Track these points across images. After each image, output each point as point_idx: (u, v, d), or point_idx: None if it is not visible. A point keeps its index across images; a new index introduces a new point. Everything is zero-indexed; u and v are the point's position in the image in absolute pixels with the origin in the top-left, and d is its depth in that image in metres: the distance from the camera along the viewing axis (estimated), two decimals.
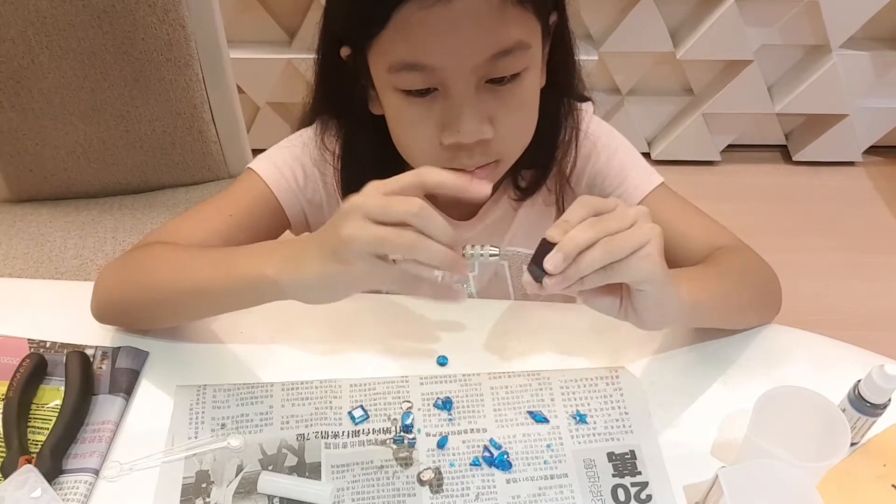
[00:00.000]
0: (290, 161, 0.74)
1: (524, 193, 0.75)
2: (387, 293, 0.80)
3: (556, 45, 0.66)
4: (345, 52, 0.63)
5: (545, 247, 0.52)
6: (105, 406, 0.63)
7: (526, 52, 0.58)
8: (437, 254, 0.50)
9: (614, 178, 0.75)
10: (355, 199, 0.52)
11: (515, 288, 0.82)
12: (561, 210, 0.76)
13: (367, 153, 0.69)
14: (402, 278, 0.53)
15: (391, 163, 0.66)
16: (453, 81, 0.58)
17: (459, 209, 0.75)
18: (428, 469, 0.60)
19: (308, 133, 0.74)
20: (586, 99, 0.75)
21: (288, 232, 0.78)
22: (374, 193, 0.51)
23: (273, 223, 0.75)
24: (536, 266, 0.52)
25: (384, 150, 0.67)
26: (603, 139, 0.75)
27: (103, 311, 0.68)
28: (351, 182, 0.72)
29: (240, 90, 1.50)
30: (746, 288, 0.70)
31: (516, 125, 0.63)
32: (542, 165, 0.73)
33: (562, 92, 0.70)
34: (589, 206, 0.53)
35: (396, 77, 0.59)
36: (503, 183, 0.75)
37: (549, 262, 0.51)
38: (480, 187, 0.52)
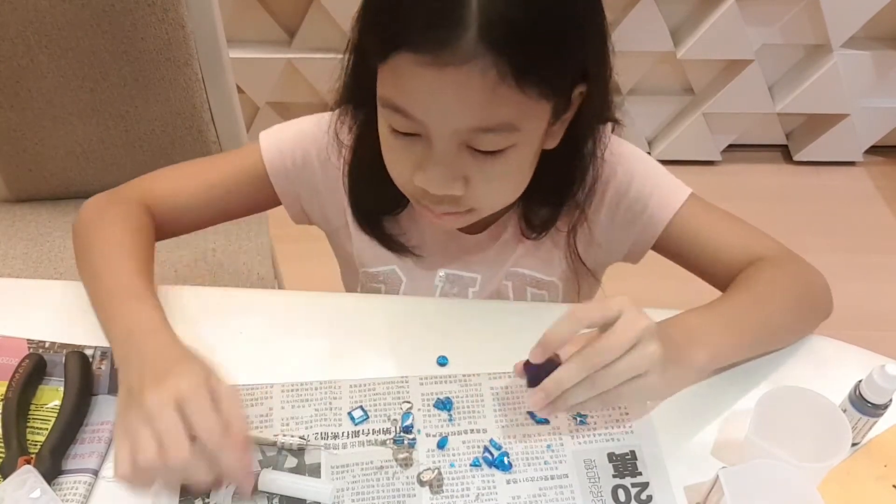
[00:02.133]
0: (294, 142, 0.74)
1: (532, 231, 0.72)
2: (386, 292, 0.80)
3: (586, 104, 0.62)
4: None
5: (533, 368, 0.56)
6: (104, 406, 0.63)
7: (513, 133, 0.57)
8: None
9: (636, 202, 0.72)
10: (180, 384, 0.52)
11: None
12: (572, 240, 0.73)
13: (375, 148, 0.68)
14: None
15: None
16: (434, 137, 0.57)
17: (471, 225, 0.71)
18: (428, 469, 0.60)
19: (325, 118, 0.73)
20: (610, 119, 0.71)
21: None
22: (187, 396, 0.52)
23: (261, 197, 0.77)
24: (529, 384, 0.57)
25: None
26: (624, 163, 0.71)
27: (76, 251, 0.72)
28: (359, 174, 0.73)
29: (239, 90, 1.50)
30: (784, 307, 0.67)
31: (493, 190, 0.62)
32: (556, 204, 0.71)
33: (587, 136, 0.66)
34: (578, 320, 0.54)
35: (386, 113, 0.59)
36: (511, 212, 0.73)
37: (533, 401, 0.54)
38: None
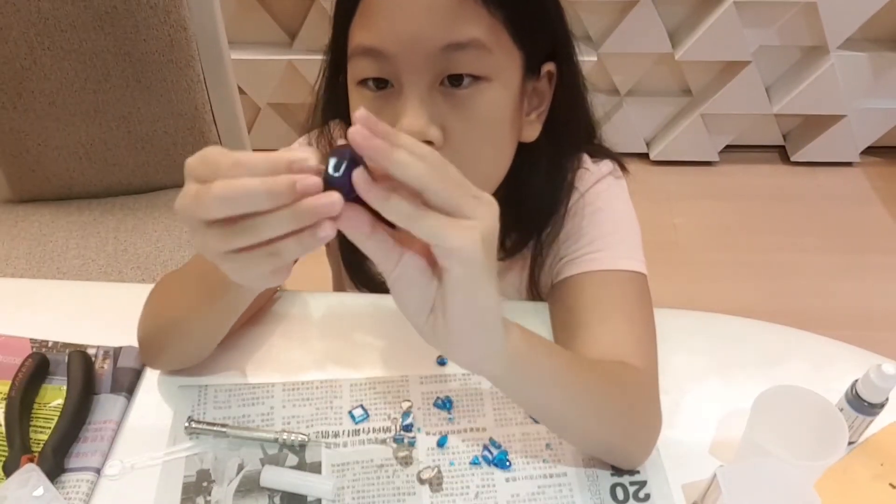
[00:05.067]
0: None
1: (505, 253, 0.70)
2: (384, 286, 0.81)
3: (560, 101, 0.63)
4: (342, 77, 0.63)
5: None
6: (107, 405, 0.63)
7: (484, 54, 0.56)
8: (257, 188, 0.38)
9: (577, 237, 0.67)
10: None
11: None
12: (533, 271, 0.71)
13: None
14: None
15: None
16: (405, 73, 0.56)
17: None
18: (428, 468, 0.60)
19: (313, 136, 0.74)
20: (609, 155, 0.70)
21: None
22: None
23: None
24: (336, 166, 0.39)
25: None
26: (597, 202, 0.68)
27: (146, 353, 0.66)
28: None
29: (241, 91, 1.50)
30: (599, 394, 0.57)
31: (471, 141, 0.58)
32: (529, 229, 0.68)
33: (562, 150, 0.66)
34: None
35: (354, 65, 0.58)
36: None
37: (357, 177, 0.38)
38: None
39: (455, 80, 0.56)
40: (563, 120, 0.65)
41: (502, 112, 0.60)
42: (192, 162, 0.43)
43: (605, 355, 0.60)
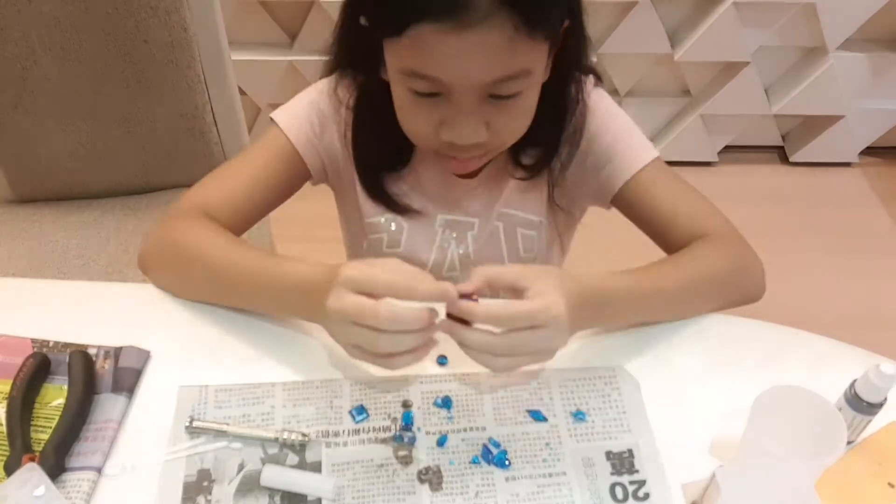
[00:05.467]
0: (308, 108, 0.77)
1: (526, 172, 0.77)
2: None
3: (569, 40, 0.67)
4: (364, 21, 0.65)
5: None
6: (108, 405, 0.63)
7: (528, 77, 0.62)
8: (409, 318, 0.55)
9: (602, 154, 0.76)
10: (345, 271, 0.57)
11: (509, 251, 0.83)
12: (550, 179, 0.78)
13: (377, 110, 0.71)
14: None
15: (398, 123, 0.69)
16: (458, 94, 0.61)
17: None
18: (428, 467, 0.60)
19: (325, 83, 0.77)
20: (591, 72, 0.76)
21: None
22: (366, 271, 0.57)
23: (293, 176, 0.78)
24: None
25: (393, 111, 0.69)
26: (598, 116, 0.76)
27: (154, 274, 0.73)
28: (361, 136, 0.76)
29: (241, 92, 1.50)
30: (706, 279, 0.70)
31: (512, 129, 0.68)
32: (548, 146, 0.75)
33: (569, 78, 0.71)
34: (484, 277, 0.59)
35: (405, 79, 0.62)
36: (500, 155, 0.76)
37: (442, 326, 0.58)
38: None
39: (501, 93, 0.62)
40: (571, 54, 0.68)
41: (535, 97, 0.66)
42: (359, 276, 0.57)
43: (693, 237, 0.72)
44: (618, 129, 0.76)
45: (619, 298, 0.66)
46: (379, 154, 0.77)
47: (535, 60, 0.62)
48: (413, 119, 0.67)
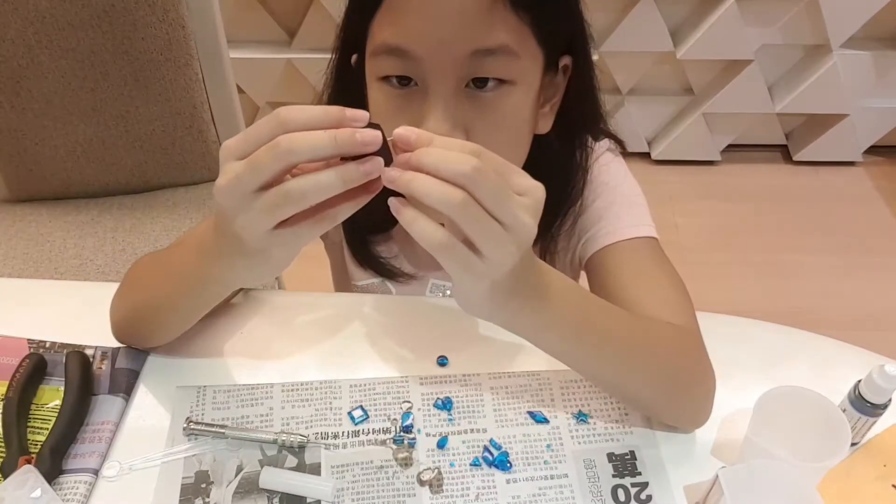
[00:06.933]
0: None
1: None
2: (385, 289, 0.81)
3: (574, 91, 0.64)
4: (354, 59, 0.64)
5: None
6: (105, 406, 0.63)
7: (511, 59, 0.57)
8: (319, 142, 0.41)
9: (591, 215, 0.70)
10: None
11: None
12: (542, 244, 0.72)
13: None
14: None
15: None
16: (432, 75, 0.56)
17: None
18: (428, 469, 0.60)
19: None
20: (608, 136, 0.72)
21: None
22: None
23: None
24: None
25: None
26: (602, 178, 0.71)
27: (117, 332, 0.67)
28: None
29: (239, 90, 1.50)
30: (644, 354, 0.59)
31: (493, 143, 0.54)
32: (547, 211, 0.70)
33: (573, 140, 0.68)
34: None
35: (377, 62, 0.58)
36: None
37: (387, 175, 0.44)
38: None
39: (480, 82, 0.57)
40: (576, 110, 0.66)
41: (524, 113, 0.61)
42: (232, 142, 0.45)
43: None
44: (615, 199, 0.71)
45: (560, 299, 0.54)
46: (367, 212, 0.69)
47: (521, 45, 0.57)
48: (389, 124, 0.62)
